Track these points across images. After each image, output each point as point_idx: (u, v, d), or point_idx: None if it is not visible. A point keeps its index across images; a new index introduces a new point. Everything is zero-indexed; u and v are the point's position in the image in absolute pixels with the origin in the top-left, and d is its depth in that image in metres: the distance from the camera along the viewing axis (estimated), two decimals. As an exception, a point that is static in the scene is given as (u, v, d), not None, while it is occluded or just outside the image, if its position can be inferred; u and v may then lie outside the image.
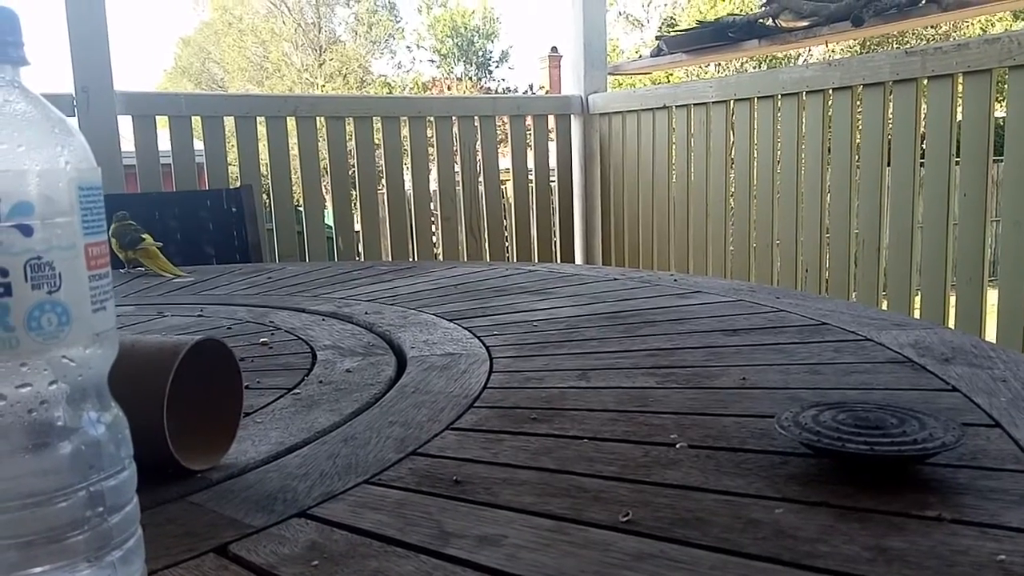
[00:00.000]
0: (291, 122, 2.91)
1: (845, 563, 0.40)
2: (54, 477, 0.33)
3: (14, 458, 0.33)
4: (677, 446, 0.57)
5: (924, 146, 2.16)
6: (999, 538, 0.42)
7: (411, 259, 3.13)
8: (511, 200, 3.36)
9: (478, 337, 0.94)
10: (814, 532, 0.43)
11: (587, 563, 0.41)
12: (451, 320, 1.04)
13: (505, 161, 3.36)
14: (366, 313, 1.11)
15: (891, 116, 2.22)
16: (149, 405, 0.52)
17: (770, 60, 11.43)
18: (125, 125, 2.68)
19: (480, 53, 24.15)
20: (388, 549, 0.44)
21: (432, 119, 3.13)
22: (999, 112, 2.12)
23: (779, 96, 2.53)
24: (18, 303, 0.32)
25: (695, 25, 3.68)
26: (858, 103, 2.33)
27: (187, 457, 0.54)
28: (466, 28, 24.06)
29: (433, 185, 3.21)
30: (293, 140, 2.93)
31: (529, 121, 3.34)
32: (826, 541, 0.42)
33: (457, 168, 3.20)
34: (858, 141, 2.32)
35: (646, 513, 0.47)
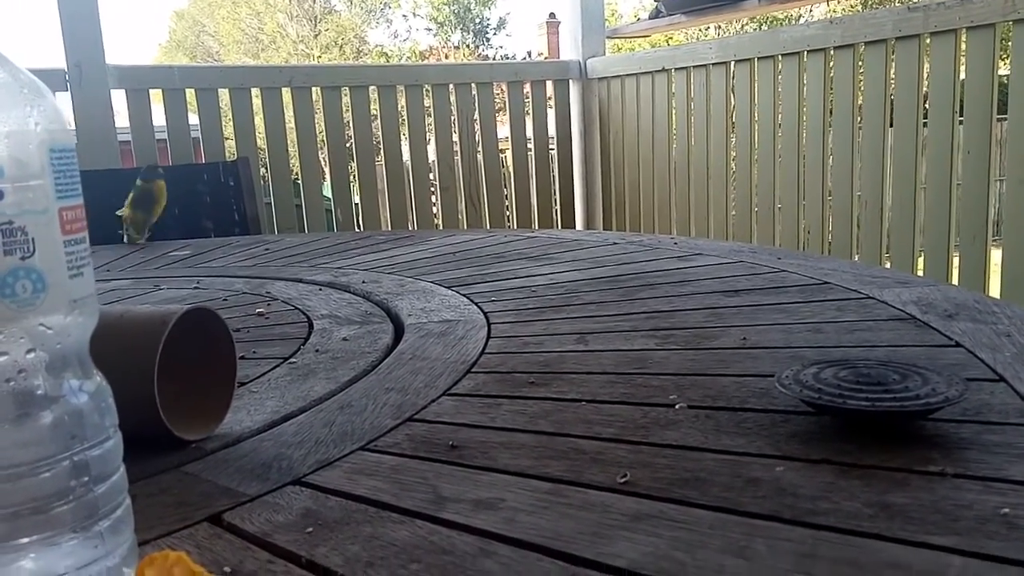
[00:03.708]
0: (287, 94, 2.87)
1: (847, 519, 0.39)
2: (36, 447, 0.32)
3: (-7, 428, 0.32)
4: (676, 407, 0.56)
5: (927, 105, 2.13)
6: (1003, 492, 0.41)
7: (410, 229, 3.11)
8: (510, 168, 3.33)
9: (476, 304, 0.93)
10: (815, 489, 0.43)
11: (585, 524, 0.41)
12: (449, 287, 1.03)
13: (504, 130, 3.33)
14: (363, 282, 1.10)
15: (894, 75, 2.19)
16: (140, 375, 0.51)
17: (771, 21, 11.29)
18: (120, 101, 2.65)
19: (477, 20, 23.86)
20: (383, 515, 0.43)
21: (429, 87, 3.09)
22: (1003, 70, 2.08)
23: (779, 56, 2.49)
24: (-10, 269, 0.31)
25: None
26: (860, 62, 2.30)
27: (181, 427, 0.54)
28: (463, -5, 23.75)
29: (432, 155, 3.18)
30: (290, 113, 2.90)
31: (527, 88, 3.30)
32: (827, 498, 0.42)
33: (455, 137, 3.17)
34: (860, 101, 2.29)
35: (645, 474, 0.46)
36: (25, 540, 0.33)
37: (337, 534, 0.41)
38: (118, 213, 1.70)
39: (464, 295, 0.97)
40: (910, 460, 0.45)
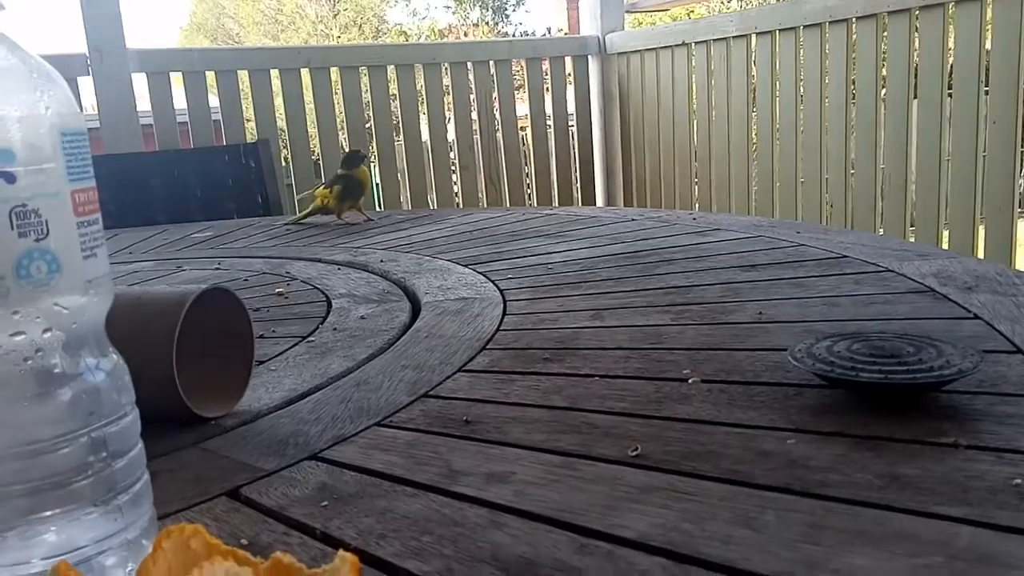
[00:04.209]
0: (306, 75, 2.88)
1: (856, 491, 0.39)
2: (55, 424, 0.33)
3: (12, 406, 0.33)
4: (690, 381, 0.56)
5: (952, 75, 2.09)
6: (1016, 462, 0.41)
7: (431, 208, 3.11)
8: (530, 146, 3.32)
9: (492, 281, 0.93)
10: (826, 461, 0.43)
11: (595, 497, 0.41)
12: (466, 265, 1.03)
13: (523, 108, 3.31)
14: (381, 261, 1.11)
15: (918, 45, 2.15)
16: (159, 354, 0.52)
17: (794, -8, 11.07)
18: (141, 85, 2.67)
19: (496, -3, 23.65)
20: (397, 488, 0.44)
21: (447, 66, 3.08)
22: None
23: (801, 28, 2.45)
24: (5, 251, 0.31)
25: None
26: (883, 32, 2.26)
27: (200, 405, 0.55)
28: (481, -28, 23.53)
29: (451, 134, 3.17)
30: (309, 95, 2.90)
31: (546, 65, 3.28)
32: (838, 470, 0.42)
33: (474, 116, 3.16)
34: (884, 72, 2.25)
35: (656, 447, 0.46)
36: (47, 514, 0.34)
37: (352, 507, 0.42)
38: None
39: (481, 273, 0.98)
40: (922, 432, 0.45)
